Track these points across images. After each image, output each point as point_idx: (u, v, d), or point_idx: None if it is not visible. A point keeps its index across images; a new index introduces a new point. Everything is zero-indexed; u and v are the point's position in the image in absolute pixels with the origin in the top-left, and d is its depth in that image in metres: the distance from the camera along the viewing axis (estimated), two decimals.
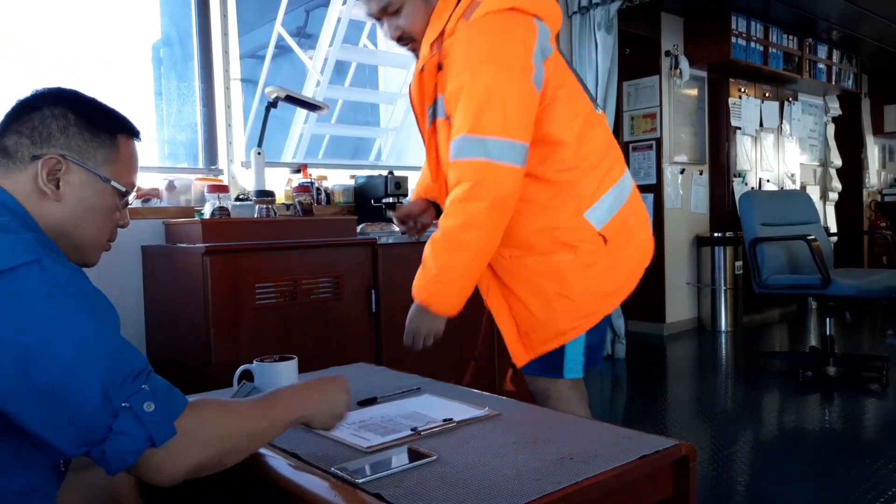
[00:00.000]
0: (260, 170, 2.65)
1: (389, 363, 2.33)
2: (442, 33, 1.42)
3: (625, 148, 5.11)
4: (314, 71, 3.47)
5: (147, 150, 2.96)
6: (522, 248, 1.48)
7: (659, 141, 5.02)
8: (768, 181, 5.82)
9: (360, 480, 0.98)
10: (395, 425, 1.23)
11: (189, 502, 1.23)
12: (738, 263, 5.19)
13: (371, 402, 1.40)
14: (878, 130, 7.34)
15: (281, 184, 3.03)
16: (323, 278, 2.37)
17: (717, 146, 5.45)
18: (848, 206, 6.84)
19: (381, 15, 1.49)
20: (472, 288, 1.45)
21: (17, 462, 0.88)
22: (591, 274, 1.46)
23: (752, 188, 5.59)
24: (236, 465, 1.12)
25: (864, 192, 7.04)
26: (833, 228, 6.46)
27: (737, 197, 4.90)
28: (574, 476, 0.98)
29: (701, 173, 5.41)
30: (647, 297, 4.90)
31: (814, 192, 6.35)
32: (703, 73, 5.39)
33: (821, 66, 6.02)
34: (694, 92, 5.32)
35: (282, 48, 3.70)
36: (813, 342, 4.82)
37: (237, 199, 2.58)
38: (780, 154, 6.00)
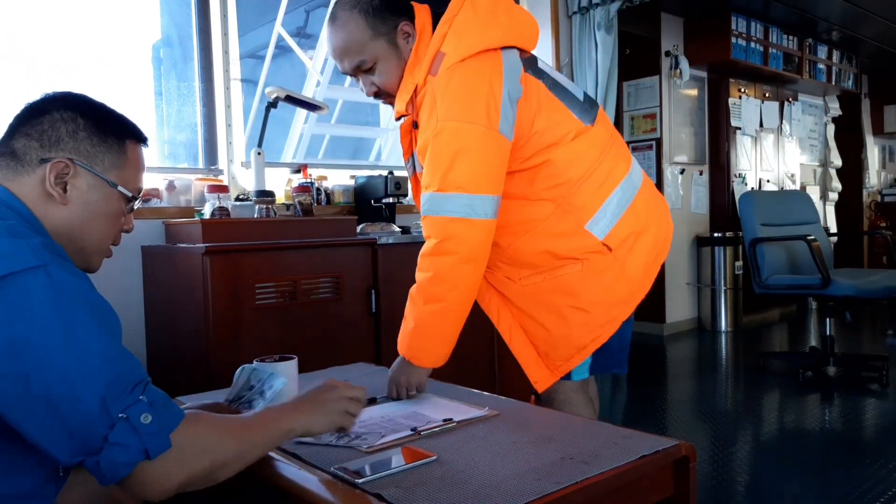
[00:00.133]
0: (260, 170, 2.65)
1: (389, 363, 2.33)
2: (415, 89, 1.41)
3: None
4: (314, 71, 3.47)
5: (147, 150, 2.95)
6: (529, 268, 1.47)
7: (659, 141, 5.02)
8: (768, 181, 5.82)
9: (360, 480, 0.98)
10: (395, 425, 1.23)
11: (189, 502, 1.23)
12: (738, 263, 5.19)
13: (371, 401, 1.40)
14: (877, 131, 7.35)
15: (281, 184, 3.03)
16: (323, 278, 2.38)
17: (717, 146, 5.45)
18: (848, 206, 6.84)
19: (355, 73, 1.47)
20: (454, 339, 1.43)
21: (16, 465, 0.88)
22: (601, 282, 1.45)
23: (752, 188, 5.59)
24: None
25: (864, 193, 7.04)
26: (833, 229, 6.47)
27: (737, 197, 4.90)
28: (574, 476, 0.98)
29: (701, 173, 5.41)
30: (647, 297, 4.87)
31: (814, 193, 6.36)
32: (703, 74, 5.39)
33: (821, 66, 6.03)
34: (694, 92, 5.32)
35: (282, 48, 3.70)
36: (813, 342, 4.82)
37: (237, 199, 2.58)
38: (780, 154, 6.00)
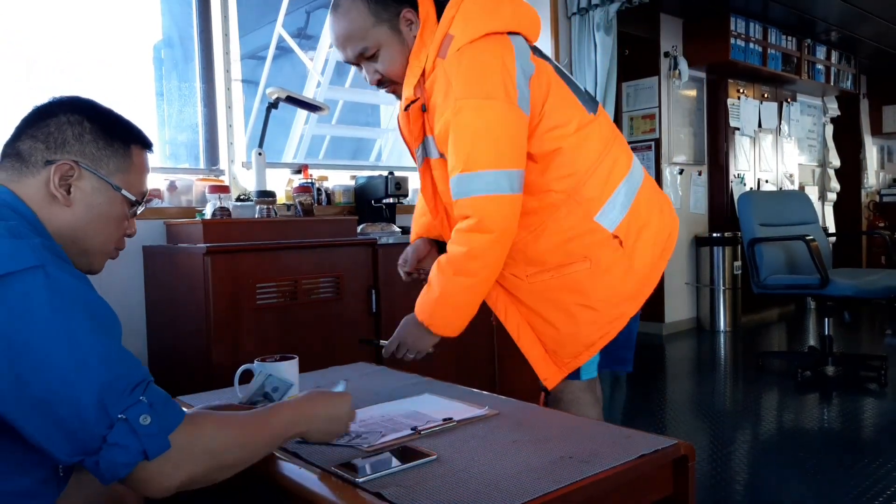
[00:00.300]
0: (261, 170, 2.65)
1: (389, 363, 2.34)
2: (423, 73, 1.41)
3: None
4: (315, 72, 3.48)
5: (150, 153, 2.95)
6: (536, 265, 1.46)
7: (658, 141, 5.03)
8: (767, 181, 5.83)
9: (360, 480, 0.98)
10: (395, 425, 1.24)
11: (190, 502, 1.23)
12: (737, 263, 5.20)
13: (375, 345, 1.45)
14: (876, 131, 7.35)
15: (282, 184, 3.04)
16: (323, 278, 2.38)
17: (716, 147, 5.46)
18: (846, 206, 6.85)
19: (359, 60, 1.46)
20: (474, 313, 1.45)
21: (16, 465, 0.89)
22: (609, 279, 1.45)
23: (751, 188, 5.60)
24: None
25: (863, 193, 7.05)
26: (831, 229, 6.47)
27: (735, 197, 4.91)
28: (574, 475, 0.99)
29: (700, 174, 5.42)
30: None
31: (812, 193, 6.37)
32: (702, 74, 5.40)
33: (819, 66, 6.03)
34: (693, 93, 5.33)
35: (282, 49, 3.71)
36: (812, 342, 4.83)
37: (238, 199, 2.59)
38: (779, 154, 6.01)
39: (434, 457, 1.06)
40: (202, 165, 2.97)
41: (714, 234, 5.24)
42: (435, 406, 1.36)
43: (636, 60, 5.06)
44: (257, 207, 2.49)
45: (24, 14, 2.66)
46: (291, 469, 1.08)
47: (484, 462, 1.05)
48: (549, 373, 1.50)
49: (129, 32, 3.01)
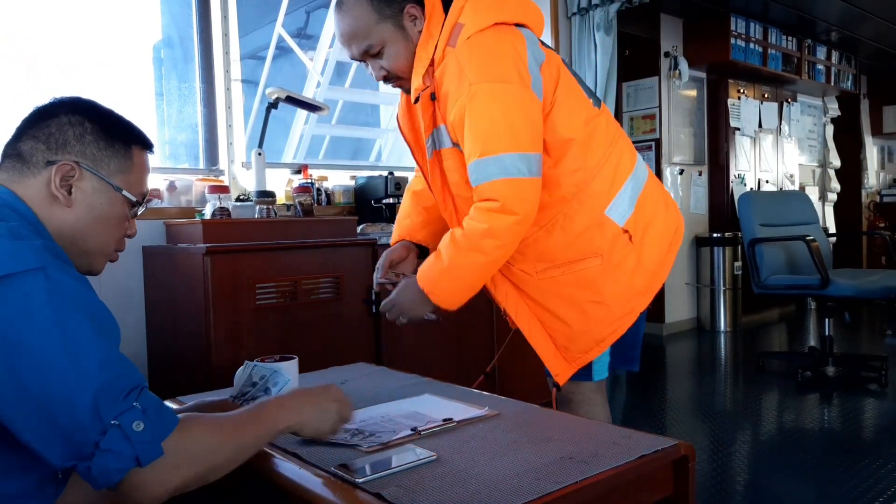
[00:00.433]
0: (260, 170, 2.65)
1: (389, 363, 2.34)
2: (432, 63, 1.41)
3: None
4: (314, 72, 3.48)
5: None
6: (546, 261, 1.46)
7: (658, 142, 5.03)
8: (767, 182, 5.83)
9: (360, 480, 0.98)
10: (395, 425, 1.23)
11: (190, 502, 1.23)
12: (738, 264, 5.20)
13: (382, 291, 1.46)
14: (876, 131, 7.35)
15: (281, 184, 3.04)
16: (323, 278, 2.38)
17: (717, 147, 5.45)
18: (847, 206, 6.85)
19: (364, 57, 1.47)
20: (477, 290, 1.44)
21: (14, 466, 0.88)
22: (620, 275, 1.45)
23: (751, 189, 5.60)
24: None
25: (863, 193, 7.05)
26: (832, 229, 6.47)
27: (736, 197, 4.91)
28: (574, 476, 0.98)
29: (700, 174, 5.42)
30: None
31: (813, 193, 6.37)
32: (703, 74, 5.40)
33: (820, 66, 6.03)
34: (693, 93, 5.33)
35: (282, 49, 3.71)
36: (812, 342, 4.83)
37: (238, 199, 2.59)
38: (779, 155, 6.01)
39: (434, 457, 1.06)
40: (202, 165, 2.97)
41: (714, 235, 5.24)
42: (435, 406, 1.35)
43: (636, 60, 5.06)
44: (257, 207, 2.49)
45: (24, 14, 2.66)
46: (291, 469, 1.08)
47: (484, 462, 1.05)
48: (559, 368, 1.49)
49: (129, 32, 3.01)
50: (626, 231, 1.45)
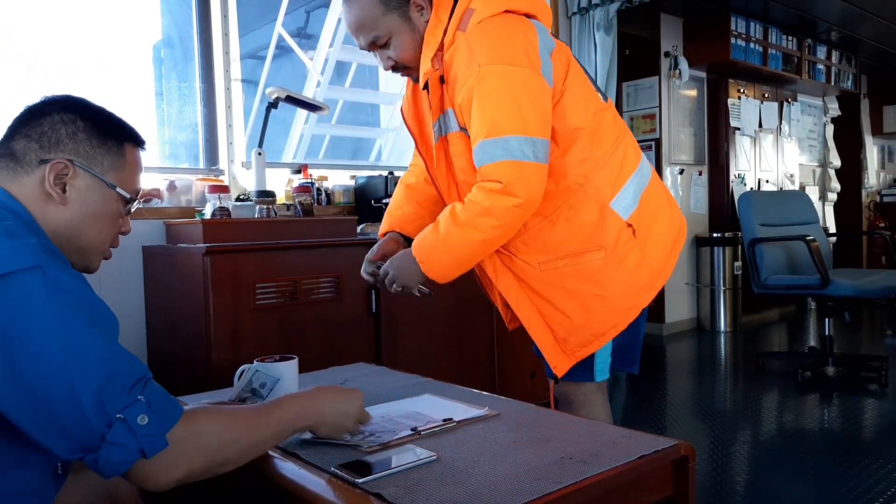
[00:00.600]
0: (260, 170, 2.65)
1: (389, 363, 2.34)
2: (441, 47, 1.41)
3: None
4: (314, 71, 3.48)
5: (148, 151, 2.96)
6: (550, 253, 1.45)
7: (658, 141, 5.03)
8: (767, 182, 5.83)
9: (360, 480, 0.98)
10: (394, 425, 1.23)
11: (189, 502, 1.23)
12: (738, 264, 5.20)
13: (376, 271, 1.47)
14: (876, 131, 7.35)
15: (281, 184, 3.04)
16: (323, 278, 2.38)
17: (717, 147, 5.45)
18: (847, 206, 6.85)
19: (372, 48, 1.48)
20: (469, 268, 1.44)
21: (14, 462, 0.89)
22: (624, 269, 1.45)
23: (752, 189, 5.60)
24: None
25: (863, 193, 7.04)
26: (832, 229, 6.47)
27: (736, 197, 4.91)
28: (574, 476, 0.98)
29: (700, 174, 5.42)
30: None
31: (813, 193, 6.37)
32: (703, 74, 5.40)
33: (820, 66, 6.03)
34: (693, 93, 5.33)
35: (282, 49, 3.71)
36: (812, 342, 4.83)
37: (238, 199, 2.59)
38: (780, 155, 6.01)
39: (434, 457, 1.06)
40: (202, 165, 2.97)
41: (714, 235, 5.24)
42: (435, 406, 1.35)
43: (636, 60, 5.06)
44: (257, 207, 2.49)
45: (24, 14, 2.66)
46: (291, 469, 1.08)
47: (484, 462, 1.05)
48: (557, 361, 1.49)
49: (129, 32, 3.01)
50: (630, 225, 1.45)
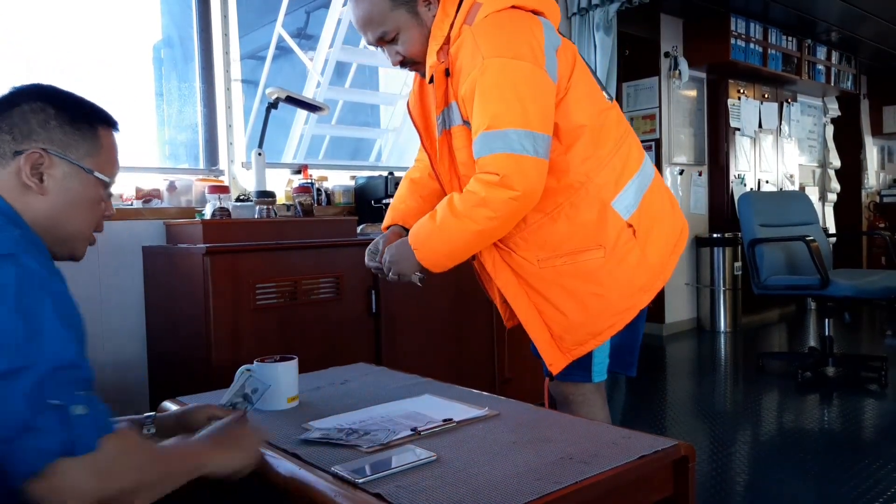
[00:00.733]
0: (260, 170, 2.65)
1: (389, 363, 2.34)
2: (447, 40, 1.42)
3: None
4: (314, 72, 3.48)
5: (148, 151, 2.97)
6: (549, 250, 1.45)
7: (658, 142, 5.03)
8: (767, 182, 5.83)
9: (360, 480, 0.98)
10: (394, 425, 1.23)
11: (190, 502, 1.23)
12: (738, 264, 5.20)
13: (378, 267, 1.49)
14: (876, 131, 7.35)
15: (281, 184, 3.04)
16: (323, 279, 2.38)
17: (717, 147, 5.46)
18: (847, 206, 6.85)
19: (379, 43, 1.48)
20: (463, 259, 1.43)
21: None
22: (623, 269, 1.45)
23: (751, 189, 5.60)
24: None
25: (863, 193, 7.05)
26: (832, 229, 6.47)
27: (736, 198, 4.91)
28: (574, 476, 0.98)
29: (700, 174, 5.42)
30: None
31: (813, 193, 6.37)
32: (703, 75, 5.40)
33: (820, 67, 6.03)
34: (693, 93, 5.33)
35: (282, 49, 3.71)
36: (812, 342, 4.83)
37: (238, 199, 2.59)
38: (779, 155, 6.01)
39: (434, 457, 1.06)
40: (202, 165, 2.97)
41: (714, 235, 5.24)
42: (435, 407, 1.35)
43: (636, 60, 5.06)
44: (257, 208, 2.49)
45: (24, 14, 2.66)
46: (291, 469, 1.08)
47: (484, 462, 1.05)
48: (553, 358, 1.49)
49: (129, 32, 3.01)
50: (631, 225, 1.45)
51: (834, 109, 6.71)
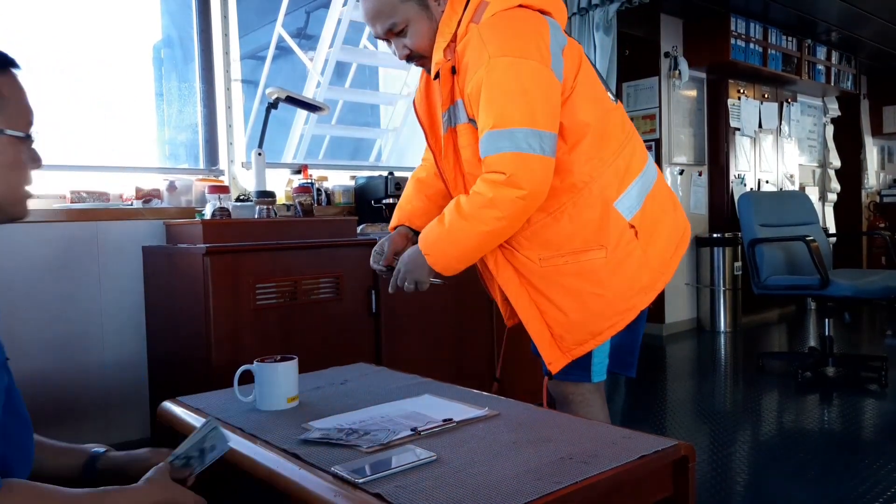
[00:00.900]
0: (260, 170, 2.65)
1: (389, 363, 2.34)
2: (454, 38, 1.42)
3: None
4: (314, 72, 3.48)
5: (148, 151, 2.97)
6: (551, 249, 1.45)
7: (658, 142, 5.03)
8: (767, 182, 5.83)
9: (360, 480, 0.98)
10: (394, 425, 1.23)
11: None
12: (738, 264, 5.20)
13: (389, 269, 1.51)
14: (876, 131, 7.35)
15: (281, 184, 3.04)
16: (323, 278, 2.38)
17: (717, 147, 5.46)
18: (847, 206, 6.85)
19: (388, 36, 1.49)
20: (474, 260, 1.44)
21: None
22: (624, 270, 1.45)
23: (751, 189, 5.60)
24: (236, 464, 1.13)
25: (863, 193, 7.05)
26: (832, 229, 6.47)
27: (736, 198, 4.91)
28: (574, 476, 0.98)
29: (700, 174, 5.42)
30: None
31: (812, 193, 6.37)
32: (703, 75, 5.40)
33: (820, 67, 6.03)
34: (693, 93, 5.33)
35: (282, 49, 3.71)
36: (812, 342, 4.83)
37: (238, 199, 2.59)
38: (779, 155, 6.01)
39: (434, 457, 1.06)
40: (202, 165, 2.97)
41: (714, 235, 5.25)
42: (435, 407, 1.35)
43: (636, 60, 5.06)
44: (257, 208, 2.49)
45: (24, 14, 2.66)
46: (291, 469, 1.08)
47: (484, 462, 1.05)
48: (553, 357, 1.49)
49: (129, 32, 3.01)
50: (633, 226, 1.45)
51: (834, 109, 6.71)
